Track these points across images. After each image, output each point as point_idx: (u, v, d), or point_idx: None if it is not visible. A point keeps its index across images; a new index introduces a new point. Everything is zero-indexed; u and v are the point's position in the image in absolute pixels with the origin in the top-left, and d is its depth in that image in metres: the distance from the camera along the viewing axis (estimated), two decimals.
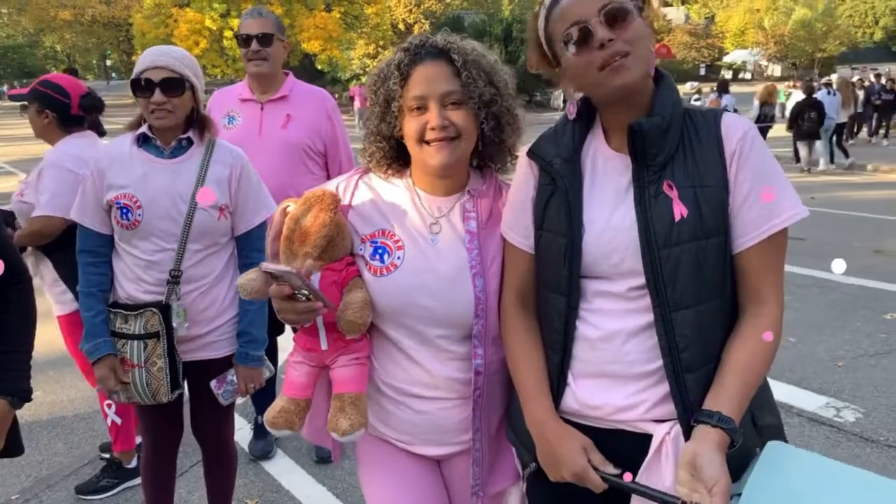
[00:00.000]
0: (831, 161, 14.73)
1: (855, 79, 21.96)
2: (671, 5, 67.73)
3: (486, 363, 1.62)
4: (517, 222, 1.59)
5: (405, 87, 1.56)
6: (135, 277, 2.35)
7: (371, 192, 1.72)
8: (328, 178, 3.35)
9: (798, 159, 14.72)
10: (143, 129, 2.36)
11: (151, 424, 2.60)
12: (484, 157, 1.70)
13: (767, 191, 1.39)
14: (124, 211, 2.29)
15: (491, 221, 1.66)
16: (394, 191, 1.71)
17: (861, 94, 18.62)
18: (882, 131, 19.04)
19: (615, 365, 1.45)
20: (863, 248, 7.77)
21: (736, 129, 1.42)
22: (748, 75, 57.97)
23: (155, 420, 2.57)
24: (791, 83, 23.92)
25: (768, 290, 1.41)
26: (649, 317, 1.41)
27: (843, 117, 15.35)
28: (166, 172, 2.33)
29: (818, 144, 14.46)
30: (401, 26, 50.92)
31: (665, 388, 1.41)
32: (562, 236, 1.48)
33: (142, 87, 2.25)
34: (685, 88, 18.84)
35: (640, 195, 1.41)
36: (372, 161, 1.71)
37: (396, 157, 1.70)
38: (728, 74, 57.79)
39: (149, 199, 2.29)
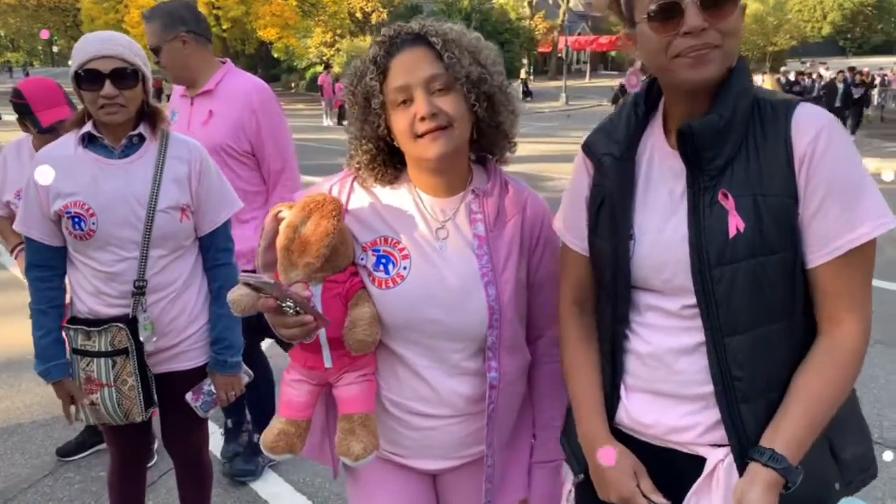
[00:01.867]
0: None
1: (790, 75, 22.72)
2: None
3: (500, 375, 1.52)
4: (572, 223, 1.48)
5: (385, 80, 1.44)
6: (95, 291, 2.16)
7: (369, 195, 1.58)
8: (263, 182, 3.13)
9: None
10: (88, 127, 2.12)
11: (119, 440, 2.42)
12: (482, 146, 1.57)
13: (845, 199, 1.19)
14: (76, 220, 2.08)
15: (499, 222, 1.53)
16: (393, 193, 1.57)
17: (841, 87, 19.58)
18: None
19: (667, 384, 1.34)
20: None
21: (808, 127, 1.21)
22: None
23: (124, 435, 2.39)
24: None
25: (846, 310, 1.23)
26: (703, 337, 1.28)
27: None
28: (118, 174, 2.12)
29: None
30: (358, 15, 50.42)
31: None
32: (609, 244, 1.37)
33: (88, 79, 2.01)
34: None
35: (694, 204, 1.26)
36: (361, 168, 1.56)
37: (388, 161, 1.56)
38: None
39: (102, 205, 2.08)
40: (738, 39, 1.22)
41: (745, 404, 1.25)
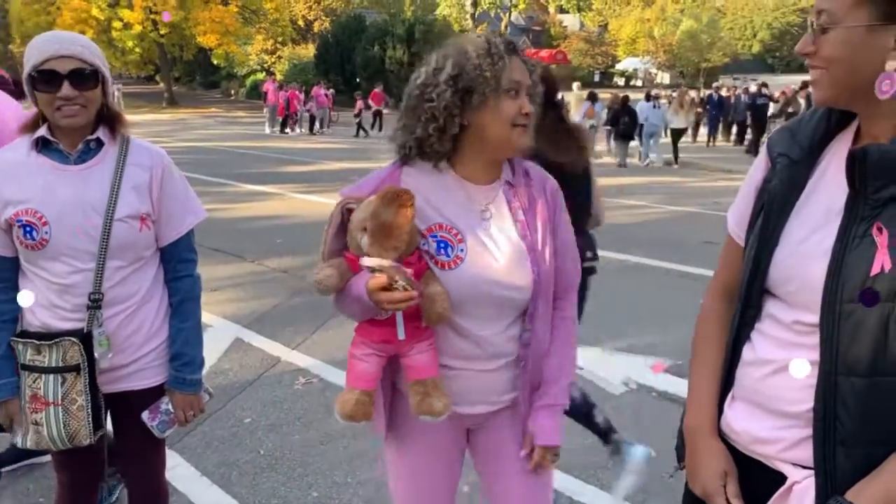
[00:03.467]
0: (646, 157, 17.15)
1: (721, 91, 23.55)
2: (567, 12, 69.64)
3: (532, 337, 1.78)
4: (740, 215, 1.47)
5: (501, 73, 1.63)
6: (48, 303, 2.04)
7: (418, 185, 1.72)
8: None
9: (614, 155, 16.96)
10: (42, 131, 2.01)
11: (68, 465, 2.26)
12: None
13: None
14: (27, 229, 1.97)
15: (531, 206, 1.78)
16: (438, 181, 1.75)
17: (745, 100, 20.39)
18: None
19: (760, 395, 1.34)
20: None
21: None
22: (639, 82, 60.28)
23: (73, 460, 2.23)
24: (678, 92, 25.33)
25: None
26: (809, 355, 1.25)
27: (679, 124, 17.55)
28: (74, 181, 2.01)
29: (633, 144, 17.05)
30: (300, 23, 50.01)
31: (809, 431, 1.25)
32: (756, 245, 1.35)
33: (44, 80, 1.92)
34: (575, 91, 20.17)
35: (845, 230, 1.20)
36: (426, 150, 1.72)
37: (439, 145, 1.73)
38: (621, 81, 60.05)
39: (56, 213, 1.98)
40: (844, 67, 1.19)
41: (843, 447, 1.20)
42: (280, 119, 24.82)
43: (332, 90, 26.93)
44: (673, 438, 1.58)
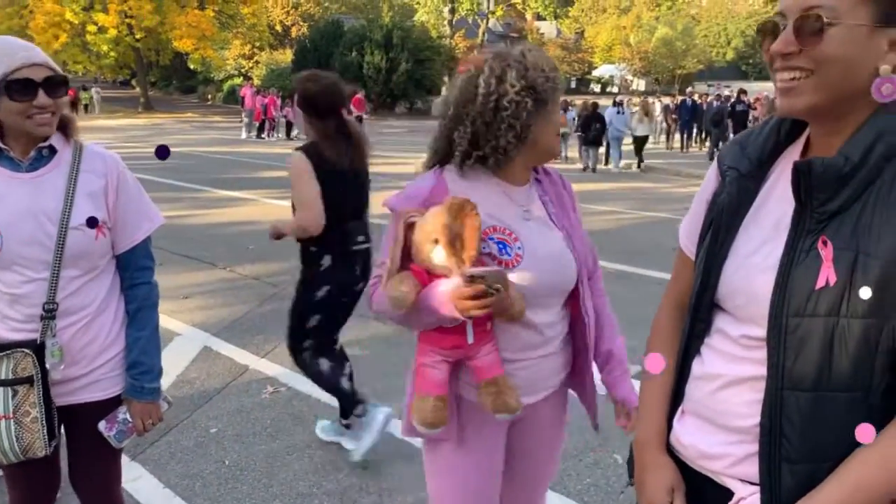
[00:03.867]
0: (618, 164, 17.83)
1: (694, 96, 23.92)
2: (544, 19, 70.03)
3: (589, 316, 1.92)
4: (691, 228, 1.48)
5: (559, 87, 1.81)
6: None
7: (464, 191, 1.78)
8: None
9: (583, 162, 17.45)
10: None
11: (21, 481, 2.20)
12: None
13: None
14: None
15: (557, 199, 1.94)
16: (478, 187, 1.82)
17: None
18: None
19: (708, 409, 1.33)
20: None
21: None
22: (615, 89, 60.75)
23: (26, 475, 2.17)
24: (653, 98, 25.66)
25: None
26: (755, 370, 1.23)
27: (643, 132, 18.17)
28: (26, 189, 1.98)
29: (601, 149, 17.79)
30: (278, 28, 49.82)
31: (756, 446, 1.23)
32: (705, 259, 1.35)
33: (19, 88, 1.89)
34: None
35: (792, 243, 1.19)
36: (494, 157, 1.79)
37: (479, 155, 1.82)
38: (597, 88, 60.49)
39: (7, 222, 1.94)
40: (844, 67, 1.13)
41: (788, 464, 1.19)
42: (257, 124, 24.70)
43: None
44: None
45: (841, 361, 1.13)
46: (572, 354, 1.97)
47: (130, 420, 2.16)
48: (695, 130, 22.39)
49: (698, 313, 1.37)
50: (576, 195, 2.02)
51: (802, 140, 1.30)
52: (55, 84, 1.94)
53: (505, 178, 1.85)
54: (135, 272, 2.18)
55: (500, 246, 1.78)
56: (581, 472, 3.37)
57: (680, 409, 1.42)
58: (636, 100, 24.35)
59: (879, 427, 1.13)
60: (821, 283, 1.13)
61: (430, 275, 1.69)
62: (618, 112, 17.63)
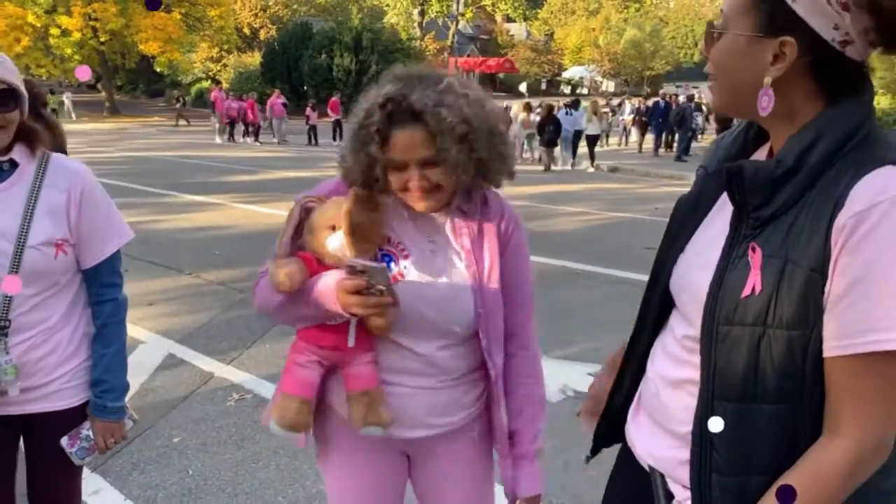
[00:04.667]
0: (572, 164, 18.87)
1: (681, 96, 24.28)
2: (514, 21, 70.29)
3: (496, 371, 1.73)
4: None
5: (385, 147, 1.57)
6: None
7: None
8: None
9: (543, 162, 18.29)
10: None
11: None
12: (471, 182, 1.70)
13: (881, 292, 1.01)
14: None
15: (481, 233, 1.71)
16: (388, 200, 1.70)
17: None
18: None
19: (655, 411, 1.33)
20: None
21: (864, 195, 1.02)
22: (585, 90, 61.19)
23: None
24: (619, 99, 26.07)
25: (848, 419, 1.06)
26: (693, 374, 1.21)
27: (593, 130, 19.15)
28: None
29: (556, 150, 18.62)
30: (246, 30, 49.40)
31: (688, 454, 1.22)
32: (661, 250, 1.37)
33: None
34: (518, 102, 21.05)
35: (729, 249, 1.16)
36: (356, 184, 1.68)
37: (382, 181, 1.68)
38: (567, 89, 60.85)
39: None
40: (729, 76, 1.18)
41: (717, 475, 1.17)
42: (227, 127, 24.42)
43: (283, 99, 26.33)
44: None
45: (767, 373, 1.10)
46: (484, 400, 1.81)
47: (93, 437, 2.10)
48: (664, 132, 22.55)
49: (647, 307, 1.39)
50: (522, 243, 1.77)
51: (769, 144, 1.28)
52: (4, 97, 1.86)
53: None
54: (101, 288, 2.11)
55: (387, 258, 1.66)
56: None
57: (635, 401, 1.43)
58: (602, 101, 24.81)
59: (808, 441, 1.10)
60: (747, 290, 1.10)
61: (319, 264, 1.61)
62: (566, 114, 19.01)
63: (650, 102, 23.51)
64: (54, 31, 34.59)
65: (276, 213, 10.33)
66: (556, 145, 18.40)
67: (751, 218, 1.14)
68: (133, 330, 5.38)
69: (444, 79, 1.58)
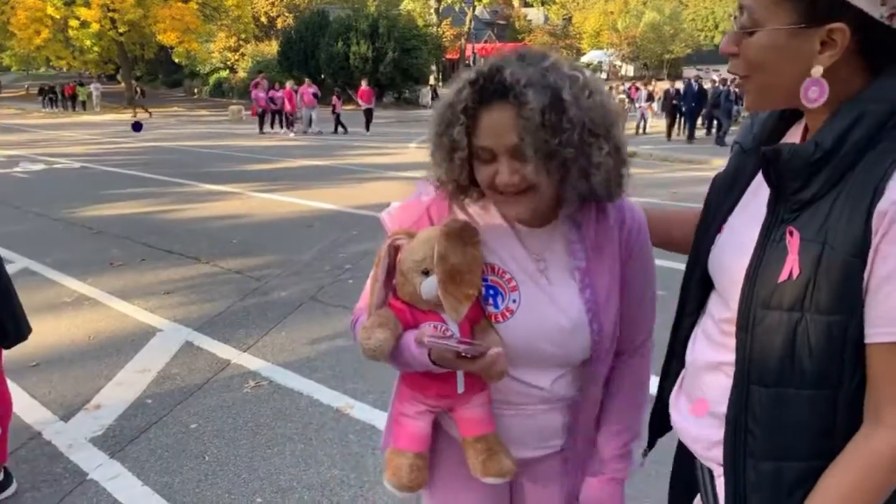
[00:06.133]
0: None
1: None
2: (531, 6, 69.78)
3: (584, 399, 1.53)
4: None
5: (472, 133, 1.33)
6: None
7: (464, 213, 1.48)
8: None
9: None
10: None
11: None
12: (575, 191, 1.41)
13: None
14: None
15: (597, 248, 1.45)
16: (488, 216, 1.47)
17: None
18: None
19: (692, 390, 1.32)
20: None
21: None
22: (604, 75, 60.67)
23: None
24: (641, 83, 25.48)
25: (890, 406, 1.04)
26: (728, 356, 1.19)
27: None
28: None
29: None
30: (263, 19, 49.48)
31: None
32: (698, 233, 1.34)
33: None
34: None
35: (767, 233, 1.13)
36: (451, 190, 1.45)
37: (475, 187, 1.43)
38: None
39: None
40: (768, 73, 1.11)
41: (752, 459, 1.15)
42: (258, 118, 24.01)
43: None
44: None
45: (803, 358, 1.07)
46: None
47: None
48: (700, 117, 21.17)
49: (687, 291, 1.35)
50: (645, 250, 1.51)
51: (804, 121, 1.22)
52: None
53: (511, 218, 1.45)
54: None
55: (489, 292, 1.43)
56: None
57: (677, 384, 1.41)
58: (617, 86, 24.05)
59: (846, 427, 1.08)
60: (784, 275, 1.07)
61: (413, 311, 1.40)
62: None
63: (679, 85, 22.13)
64: (73, 22, 34.90)
65: (294, 202, 10.38)
66: None
67: (788, 201, 1.10)
68: (150, 318, 5.44)
69: (550, 57, 1.34)
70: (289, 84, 24.39)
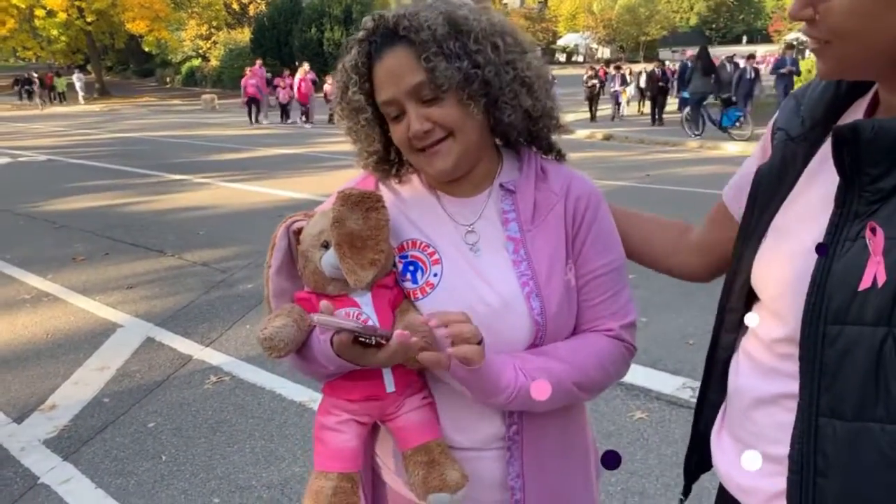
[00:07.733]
0: None
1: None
2: None
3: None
4: (736, 191, 1.27)
5: (375, 92, 1.22)
6: None
7: (390, 191, 1.35)
8: None
9: None
10: None
11: None
12: (505, 133, 1.29)
13: None
14: None
15: (537, 218, 1.27)
16: (414, 191, 1.34)
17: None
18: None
19: (742, 430, 1.10)
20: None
21: None
22: (580, 58, 60.62)
23: None
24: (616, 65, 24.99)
25: None
26: (789, 387, 0.99)
27: None
28: None
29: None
30: (235, 6, 48.79)
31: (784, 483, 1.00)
32: (741, 237, 1.15)
33: None
34: None
35: (835, 229, 0.94)
36: (370, 169, 1.34)
37: (399, 158, 1.32)
38: (562, 57, 60.32)
39: None
40: (856, 38, 0.92)
41: None
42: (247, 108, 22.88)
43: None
44: None
45: (892, 384, 0.87)
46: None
47: None
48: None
49: (728, 301, 1.17)
50: (603, 225, 1.33)
51: (870, 95, 1.03)
52: None
53: (439, 188, 1.32)
54: None
55: (408, 268, 1.27)
56: None
57: (719, 416, 1.21)
58: (586, 71, 23.32)
59: None
60: (866, 282, 0.88)
61: (321, 298, 1.19)
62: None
63: (672, 66, 21.29)
64: (39, 12, 34.23)
65: (263, 192, 10.23)
66: None
67: (866, 191, 0.91)
68: (111, 314, 5.31)
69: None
70: (302, 70, 22.39)
